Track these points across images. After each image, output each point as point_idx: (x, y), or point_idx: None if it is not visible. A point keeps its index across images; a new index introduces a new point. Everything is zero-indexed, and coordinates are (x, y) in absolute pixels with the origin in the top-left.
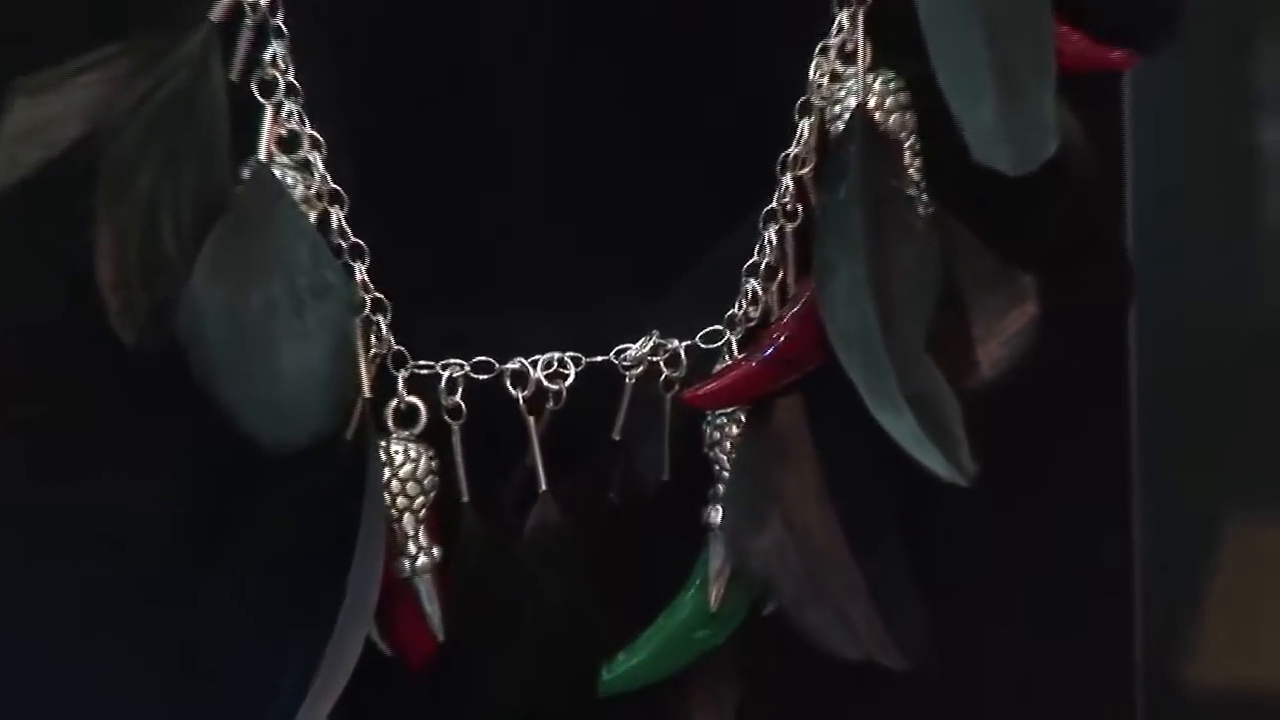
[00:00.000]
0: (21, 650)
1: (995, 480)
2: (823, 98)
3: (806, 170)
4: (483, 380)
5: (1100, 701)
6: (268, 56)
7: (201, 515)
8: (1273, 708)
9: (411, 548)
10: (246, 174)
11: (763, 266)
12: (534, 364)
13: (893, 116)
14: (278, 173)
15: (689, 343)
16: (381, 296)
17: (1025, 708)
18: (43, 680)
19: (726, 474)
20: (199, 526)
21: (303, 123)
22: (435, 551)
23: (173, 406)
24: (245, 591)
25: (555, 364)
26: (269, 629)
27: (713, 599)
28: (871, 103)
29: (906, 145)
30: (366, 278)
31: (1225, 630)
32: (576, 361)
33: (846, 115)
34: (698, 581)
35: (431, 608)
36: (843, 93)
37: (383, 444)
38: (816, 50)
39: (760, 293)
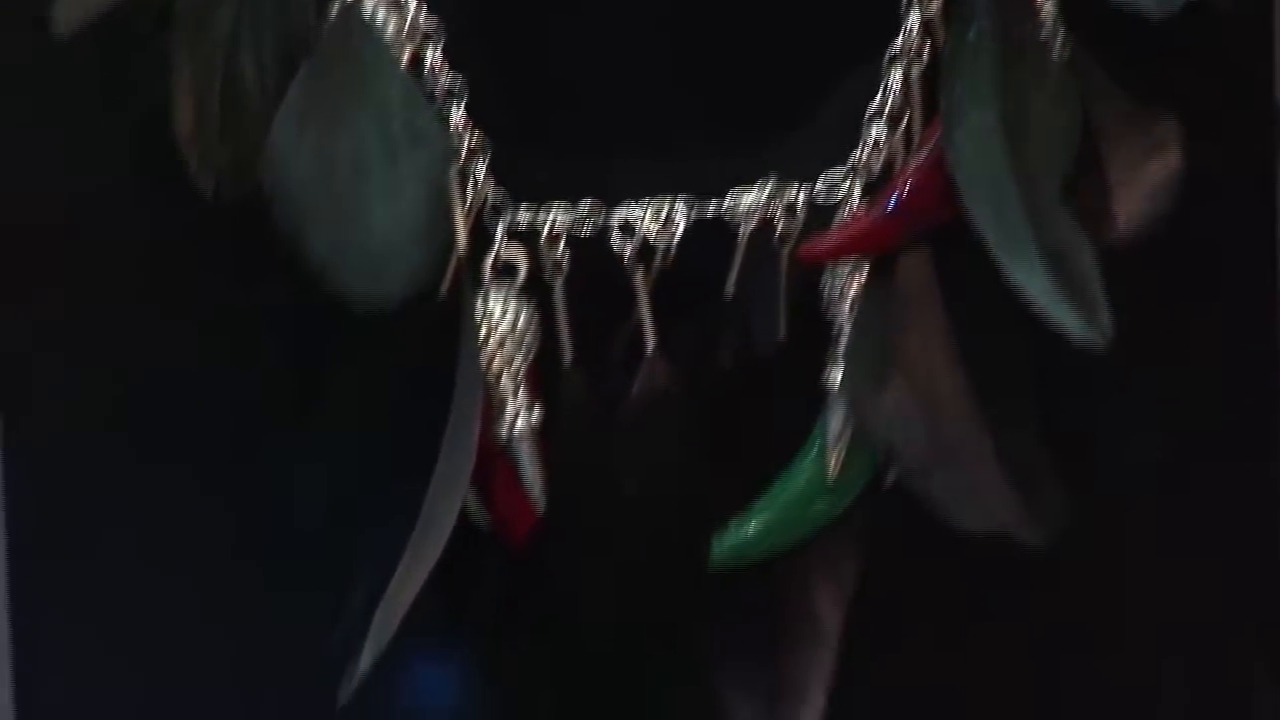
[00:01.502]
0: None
1: (1128, 350)
2: None
3: (934, 8)
4: (587, 230)
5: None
6: None
7: (288, 377)
8: None
9: (510, 410)
10: (334, 11)
11: (886, 112)
12: (643, 210)
13: None
14: (367, 8)
15: (807, 192)
16: (480, 138)
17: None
18: (129, 536)
19: (846, 333)
20: (286, 388)
21: None
22: (535, 414)
23: (257, 263)
24: (336, 458)
25: (665, 211)
26: (361, 497)
27: (831, 466)
28: None
29: None
30: (464, 118)
31: None
32: (689, 206)
33: None
34: (815, 448)
35: (532, 476)
36: None
37: (479, 299)
38: None
39: (884, 141)
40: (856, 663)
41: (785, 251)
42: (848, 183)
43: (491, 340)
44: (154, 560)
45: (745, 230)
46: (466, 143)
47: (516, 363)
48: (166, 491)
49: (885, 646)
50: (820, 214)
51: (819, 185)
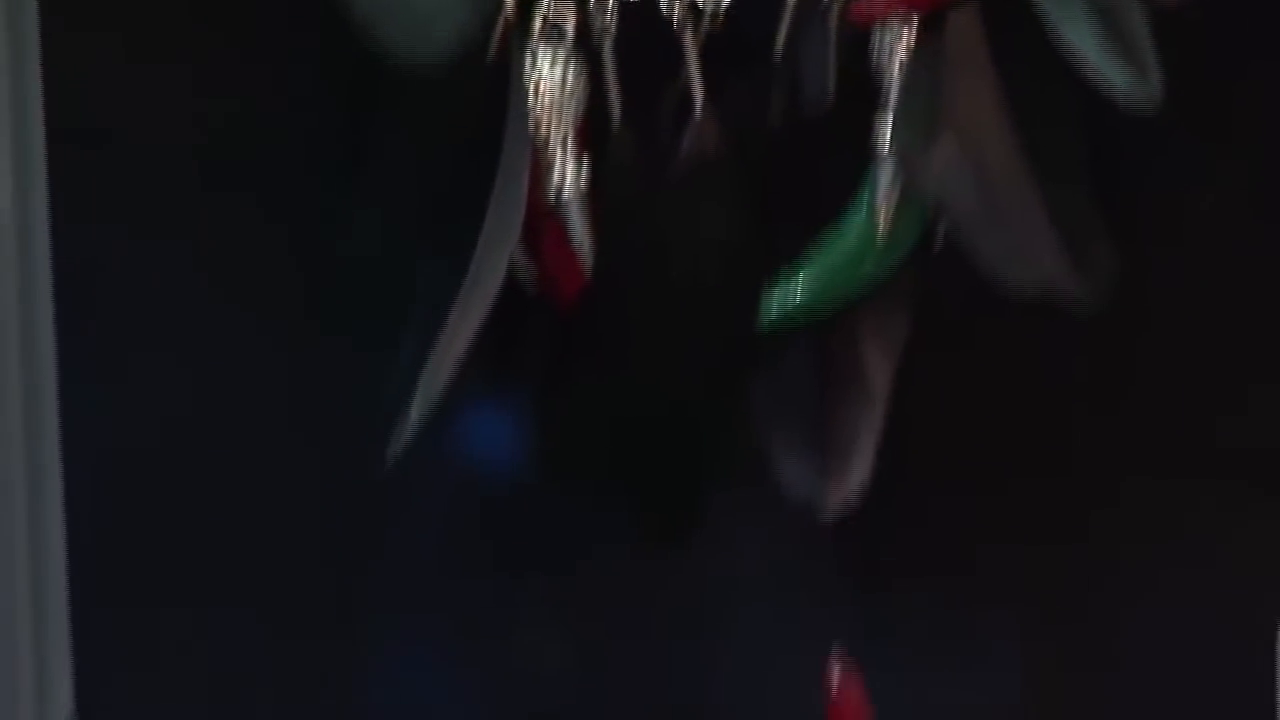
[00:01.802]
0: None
1: (1176, 111)
2: None
3: None
4: None
5: None
6: None
7: (336, 134)
8: None
9: (558, 170)
10: None
11: None
12: None
13: None
14: None
15: None
16: None
17: None
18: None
19: (895, 91)
20: (333, 146)
21: None
22: (584, 173)
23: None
24: (385, 217)
25: None
26: (410, 254)
27: (881, 223)
28: None
29: None
30: None
31: None
32: None
33: None
34: (865, 207)
35: (581, 236)
36: None
37: (527, 59)
38: None
39: None
40: (903, 421)
41: (835, 11)
42: None
43: (540, 101)
44: (214, 287)
45: None
46: None
47: (565, 123)
48: (224, 221)
49: (931, 406)
50: None
51: None
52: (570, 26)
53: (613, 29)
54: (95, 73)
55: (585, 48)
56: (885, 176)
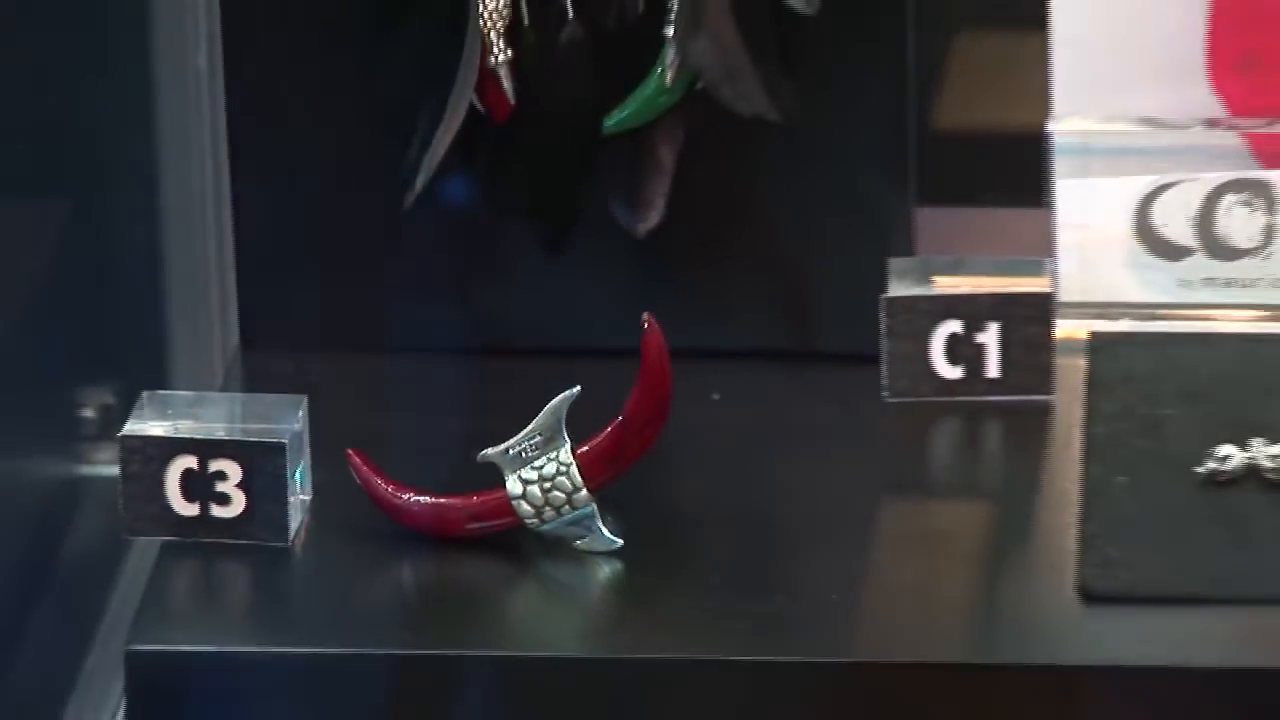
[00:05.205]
0: None
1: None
2: None
3: None
4: None
5: None
6: None
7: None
8: None
9: (495, 50)
10: None
11: None
12: None
13: None
14: None
15: None
16: None
17: None
18: None
19: (676, 6)
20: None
21: None
22: (509, 53)
23: None
24: (398, 75)
25: None
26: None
27: (669, 79)
28: None
29: None
30: None
31: None
32: None
33: None
34: (659, 69)
35: (507, 85)
36: None
37: None
38: None
39: None
40: (681, 185)
41: None
42: None
43: (485, 13)
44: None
45: None
46: None
47: (500, 23)
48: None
49: (698, 172)
50: None
51: None
52: None
53: None
54: None
55: None
56: (670, 52)
